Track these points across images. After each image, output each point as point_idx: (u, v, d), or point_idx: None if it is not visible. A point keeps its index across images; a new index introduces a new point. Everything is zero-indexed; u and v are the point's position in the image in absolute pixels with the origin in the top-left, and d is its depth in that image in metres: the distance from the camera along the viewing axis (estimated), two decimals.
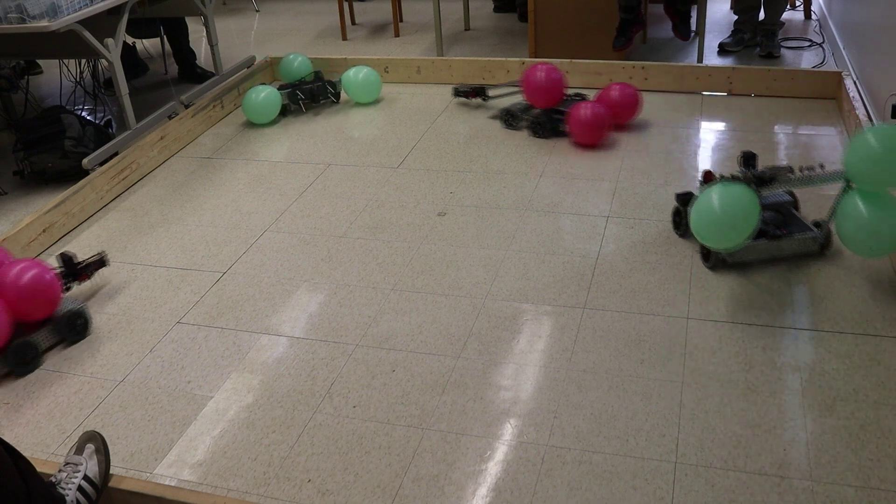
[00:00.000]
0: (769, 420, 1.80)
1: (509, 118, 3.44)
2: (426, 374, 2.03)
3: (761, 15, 4.20)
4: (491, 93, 3.68)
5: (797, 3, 4.83)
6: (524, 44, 4.52)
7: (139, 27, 4.30)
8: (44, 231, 2.77)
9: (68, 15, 2.95)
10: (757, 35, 4.19)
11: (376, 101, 3.84)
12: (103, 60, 3.28)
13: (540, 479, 1.69)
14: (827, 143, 3.09)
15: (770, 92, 3.56)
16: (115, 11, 3.24)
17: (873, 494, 1.60)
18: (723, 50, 4.20)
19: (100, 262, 2.47)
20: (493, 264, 2.47)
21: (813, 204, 2.64)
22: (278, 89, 3.71)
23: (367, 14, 5.60)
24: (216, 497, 1.62)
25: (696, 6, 4.08)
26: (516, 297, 2.31)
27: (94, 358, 2.19)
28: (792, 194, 2.52)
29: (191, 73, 4.44)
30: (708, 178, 2.50)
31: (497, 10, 5.36)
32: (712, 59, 4.14)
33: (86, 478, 1.61)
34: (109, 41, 3.19)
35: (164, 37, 4.48)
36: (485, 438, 1.81)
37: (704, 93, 3.65)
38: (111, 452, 1.79)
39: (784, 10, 4.26)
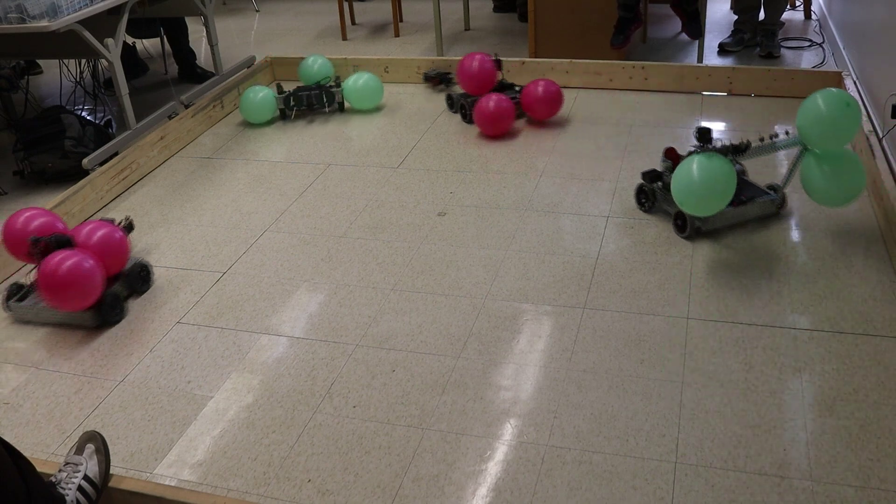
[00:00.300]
0: (769, 420, 1.80)
1: (451, 102, 3.69)
2: (426, 374, 2.03)
3: (761, 15, 4.20)
4: (454, 79, 3.89)
5: (797, 3, 4.83)
6: (524, 44, 4.52)
7: (139, 27, 4.30)
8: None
9: (68, 15, 2.95)
10: (757, 35, 4.20)
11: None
12: (103, 60, 3.28)
13: (540, 479, 1.70)
14: None
15: (770, 92, 3.56)
16: (115, 11, 3.24)
17: (873, 494, 1.60)
18: (723, 50, 4.20)
19: (129, 226, 2.56)
20: (493, 264, 2.47)
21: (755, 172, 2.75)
22: (278, 93, 3.69)
23: (367, 14, 5.60)
24: (216, 497, 1.62)
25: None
26: (516, 297, 2.31)
27: (94, 358, 2.19)
28: (741, 165, 2.73)
29: (191, 73, 4.44)
30: (670, 154, 2.65)
31: (497, 9, 5.36)
32: (712, 59, 4.14)
33: (86, 478, 1.61)
34: (109, 41, 3.19)
35: (164, 37, 4.48)
36: (485, 438, 1.81)
37: (704, 93, 3.65)
38: (111, 452, 1.79)
39: (784, 10, 4.26)
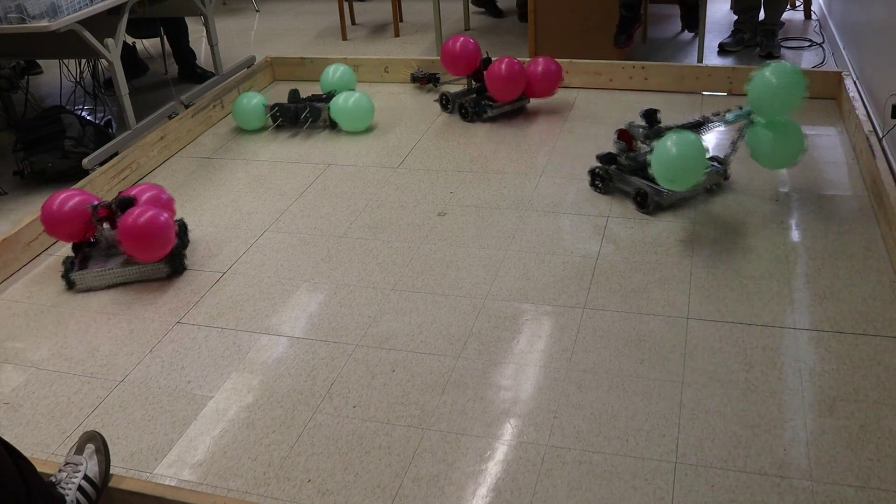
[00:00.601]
0: (769, 420, 1.80)
1: (445, 101, 3.67)
2: (426, 374, 2.03)
3: (761, 15, 4.20)
4: (442, 79, 3.89)
5: (797, 3, 4.83)
6: (524, 44, 4.52)
7: (139, 27, 4.30)
8: (44, 231, 2.77)
9: (68, 15, 2.95)
10: (757, 35, 4.20)
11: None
12: (103, 60, 3.28)
13: (540, 479, 1.69)
14: (827, 143, 3.09)
15: None
16: (115, 11, 3.24)
17: (873, 494, 1.60)
18: (723, 50, 4.20)
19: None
20: (493, 264, 2.47)
21: None
22: (271, 109, 3.57)
23: (367, 14, 5.60)
24: (216, 497, 1.62)
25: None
26: (516, 297, 2.31)
27: (94, 358, 2.19)
28: None
29: (191, 73, 4.44)
30: (623, 136, 2.80)
31: (476, 2, 5.32)
32: (712, 59, 4.14)
33: (86, 478, 1.61)
34: (109, 41, 3.19)
35: (164, 37, 4.48)
36: (485, 438, 1.81)
37: (704, 93, 3.65)
38: (111, 452, 1.79)
39: (784, 10, 4.26)
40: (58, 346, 2.25)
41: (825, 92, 3.49)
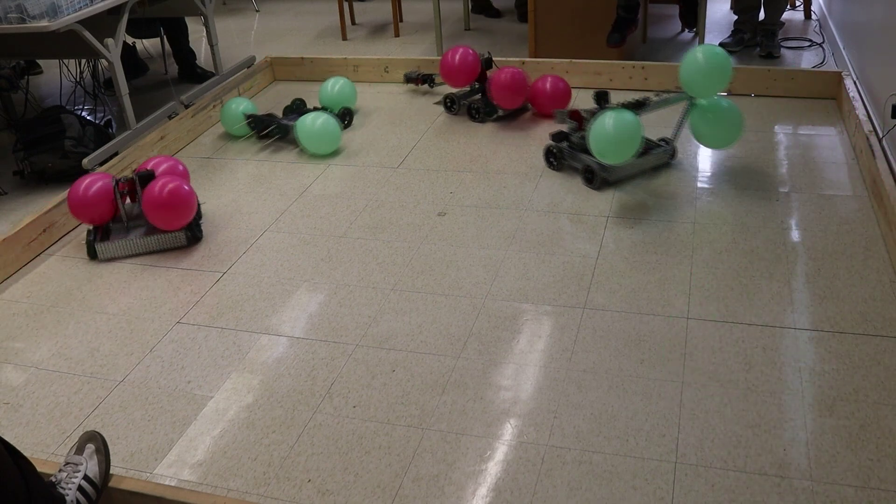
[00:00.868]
0: (769, 420, 1.80)
1: (450, 104, 3.65)
2: (426, 374, 2.03)
3: (761, 15, 4.20)
4: (437, 80, 3.85)
5: (797, 3, 4.84)
6: (524, 44, 4.52)
7: (139, 27, 4.30)
8: (44, 231, 2.77)
9: (68, 15, 2.95)
10: (757, 35, 4.20)
11: (335, 153, 3.32)
12: (103, 60, 3.28)
13: (540, 479, 1.69)
14: (827, 143, 3.10)
15: (770, 92, 3.56)
16: (115, 11, 3.24)
17: (873, 494, 1.60)
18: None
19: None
20: (493, 264, 2.47)
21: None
22: (248, 121, 3.47)
23: (367, 14, 5.60)
24: (216, 497, 1.62)
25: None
26: (516, 297, 2.31)
27: (94, 358, 2.19)
28: None
29: (191, 73, 4.44)
30: (574, 115, 2.99)
31: (474, 10, 5.30)
32: None
33: (86, 478, 1.61)
34: (109, 41, 3.19)
35: (164, 37, 4.48)
36: (485, 438, 1.81)
37: None
38: (111, 452, 1.79)
39: (784, 10, 4.26)
40: (58, 346, 2.25)
41: (825, 92, 3.50)
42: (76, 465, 1.63)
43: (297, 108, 3.58)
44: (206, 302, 2.39)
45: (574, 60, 3.81)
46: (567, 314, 2.21)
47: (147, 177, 2.69)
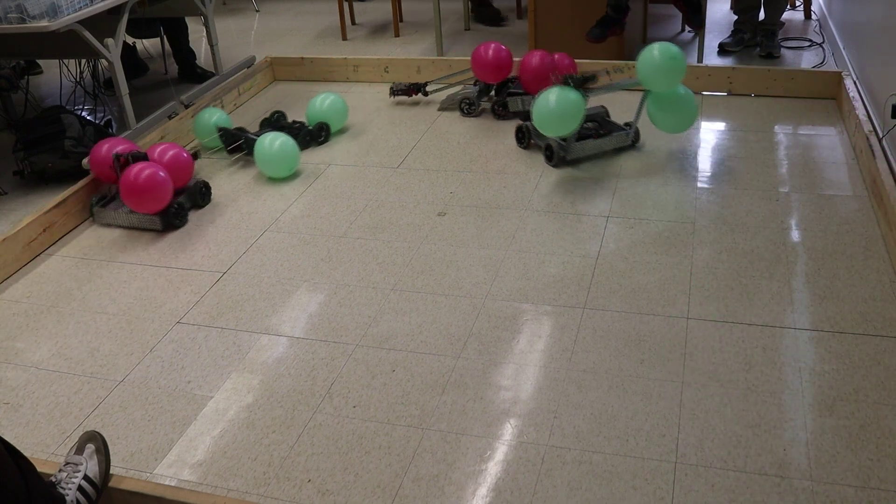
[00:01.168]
0: (769, 420, 1.80)
1: (467, 106, 3.61)
2: (426, 374, 2.03)
3: (761, 15, 4.20)
4: (429, 88, 3.81)
5: (797, 3, 4.83)
6: (524, 43, 4.52)
7: (139, 27, 4.30)
8: (44, 231, 2.77)
9: (68, 15, 2.95)
10: (757, 35, 4.19)
11: (293, 176, 3.13)
12: (103, 60, 3.28)
13: (540, 479, 1.70)
14: (827, 143, 3.10)
15: (770, 92, 3.56)
16: (115, 11, 3.24)
17: (873, 494, 1.60)
18: (723, 50, 4.20)
19: (195, 154, 3.05)
20: (493, 264, 2.47)
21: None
22: (219, 134, 3.31)
23: (367, 14, 5.60)
24: (216, 497, 1.62)
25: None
26: (516, 297, 2.31)
27: (94, 358, 2.19)
28: (603, 107, 3.29)
29: (191, 73, 4.44)
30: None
31: (476, 20, 5.25)
32: (712, 59, 4.14)
33: (86, 477, 1.61)
34: (109, 41, 3.19)
35: (164, 37, 4.48)
36: (485, 438, 1.81)
37: (704, 93, 3.65)
38: (111, 452, 1.79)
39: (784, 10, 4.26)
40: (58, 346, 2.25)
41: (825, 92, 3.49)
42: (76, 465, 1.63)
43: (276, 122, 3.47)
44: (206, 302, 2.40)
45: (574, 60, 3.80)
46: (567, 314, 2.21)
47: (140, 157, 2.81)
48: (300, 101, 3.89)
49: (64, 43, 3.21)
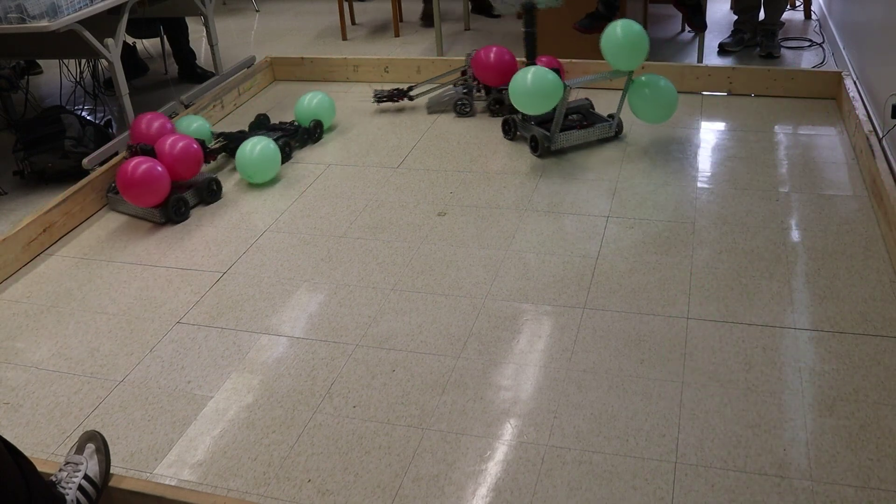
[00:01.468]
0: (769, 420, 1.80)
1: (461, 106, 3.61)
2: (426, 374, 2.03)
3: (761, 15, 4.20)
4: (414, 92, 3.76)
5: (797, 3, 4.84)
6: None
7: (139, 27, 4.30)
8: (44, 231, 2.77)
9: (68, 15, 2.95)
10: (757, 35, 4.20)
11: (274, 181, 3.11)
12: (103, 60, 3.28)
13: (540, 479, 1.70)
14: (827, 143, 3.10)
15: (770, 92, 3.56)
16: (115, 11, 3.24)
17: (873, 494, 1.60)
18: (723, 50, 4.20)
19: (202, 146, 3.06)
20: (493, 264, 2.47)
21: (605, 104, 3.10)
22: (213, 137, 3.33)
23: (367, 14, 5.60)
24: (216, 497, 1.62)
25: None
26: (516, 297, 2.31)
27: (94, 358, 2.19)
28: (588, 99, 3.40)
29: (191, 73, 4.44)
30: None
31: (473, 10, 5.28)
32: (712, 59, 4.14)
33: (86, 477, 1.61)
34: (109, 41, 3.19)
35: (164, 37, 4.48)
36: (485, 438, 1.81)
37: (704, 93, 3.65)
38: (111, 452, 1.79)
39: (784, 10, 4.26)
40: (58, 346, 2.25)
41: (825, 92, 3.50)
42: (76, 464, 1.63)
43: (262, 125, 3.48)
44: (206, 302, 2.40)
45: (574, 60, 3.81)
46: (567, 314, 2.21)
47: (146, 150, 2.87)
48: None
49: (64, 43, 3.21)
